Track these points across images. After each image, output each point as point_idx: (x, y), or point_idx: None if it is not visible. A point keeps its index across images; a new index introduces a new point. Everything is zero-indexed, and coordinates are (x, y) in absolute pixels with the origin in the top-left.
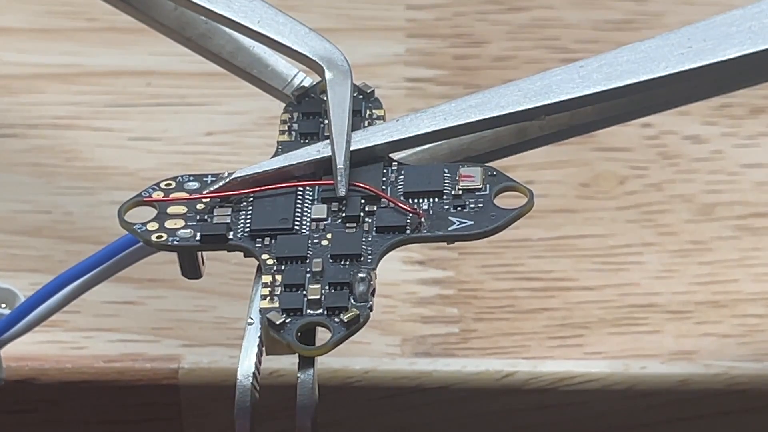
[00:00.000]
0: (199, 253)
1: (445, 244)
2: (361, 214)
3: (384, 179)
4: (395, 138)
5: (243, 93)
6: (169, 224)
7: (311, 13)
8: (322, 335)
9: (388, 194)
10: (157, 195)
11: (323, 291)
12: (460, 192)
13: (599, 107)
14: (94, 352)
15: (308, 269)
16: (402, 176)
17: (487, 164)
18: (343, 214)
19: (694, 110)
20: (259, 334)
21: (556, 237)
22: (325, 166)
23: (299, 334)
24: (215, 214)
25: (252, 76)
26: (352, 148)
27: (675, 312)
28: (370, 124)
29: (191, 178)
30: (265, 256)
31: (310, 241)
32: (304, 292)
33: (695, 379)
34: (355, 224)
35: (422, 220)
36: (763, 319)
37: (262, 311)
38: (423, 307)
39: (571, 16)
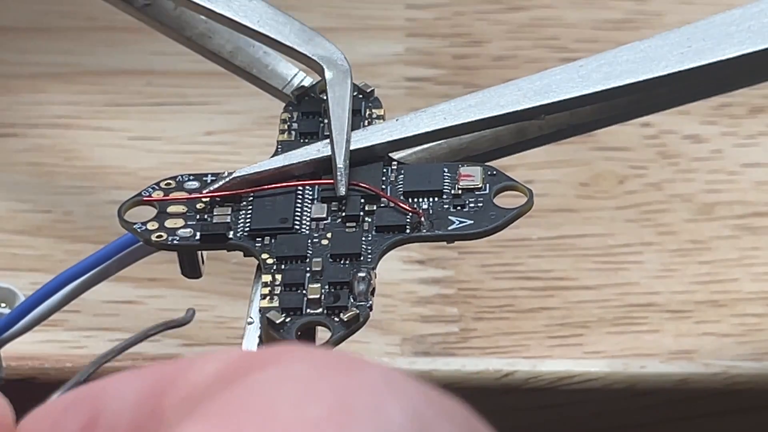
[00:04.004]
0: (199, 253)
1: (445, 243)
2: (361, 213)
3: (384, 179)
4: (395, 137)
5: (243, 93)
6: (169, 224)
7: (311, 13)
8: (322, 334)
9: (388, 194)
10: (157, 194)
11: (323, 290)
12: (460, 191)
13: (599, 107)
14: (94, 351)
15: (308, 268)
16: (402, 176)
17: (486, 164)
18: (343, 214)
19: (694, 110)
20: (259, 333)
21: (556, 236)
22: (324, 166)
23: (299, 333)
24: (215, 213)
25: (252, 75)
26: (351, 148)
27: (674, 311)
28: (369, 124)
29: (191, 177)
30: (264, 256)
31: (309, 241)
32: (304, 292)
33: (695, 378)
34: (354, 223)
35: (422, 219)
36: (762, 319)
37: (262, 310)
38: (423, 306)
39: (571, 15)
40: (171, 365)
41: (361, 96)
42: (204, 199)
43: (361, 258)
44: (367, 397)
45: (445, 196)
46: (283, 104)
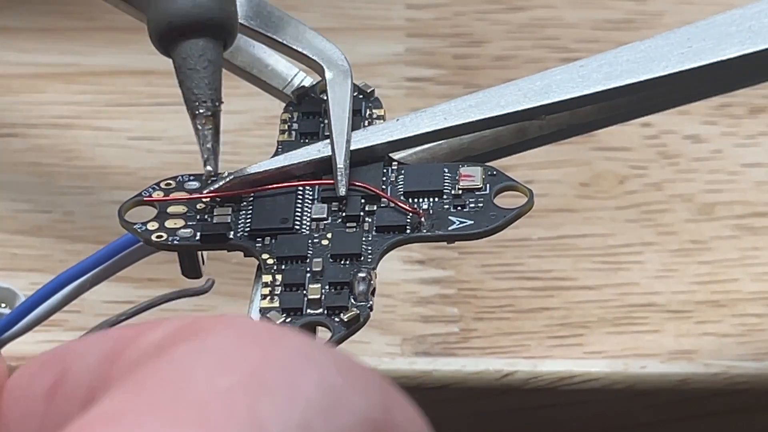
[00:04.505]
0: (200, 253)
1: (445, 243)
2: (361, 213)
3: (384, 179)
4: (395, 138)
5: (243, 93)
6: (170, 224)
7: (311, 13)
8: (323, 335)
9: (388, 194)
10: (158, 195)
11: (323, 290)
12: (460, 191)
13: (599, 107)
14: None
15: (308, 269)
16: (402, 176)
17: (487, 164)
18: (344, 214)
19: (694, 110)
20: None
21: (556, 236)
22: (325, 166)
23: None
24: (215, 213)
25: (252, 75)
26: (352, 148)
27: (675, 311)
28: (370, 124)
29: (191, 177)
30: (265, 256)
31: (310, 241)
32: (304, 292)
33: (695, 378)
34: (355, 224)
35: (422, 219)
36: (762, 319)
37: (263, 311)
38: (423, 306)
39: (571, 15)
40: (130, 330)
41: (361, 96)
42: (204, 200)
43: (362, 258)
44: (282, 370)
45: (445, 197)
46: (284, 104)
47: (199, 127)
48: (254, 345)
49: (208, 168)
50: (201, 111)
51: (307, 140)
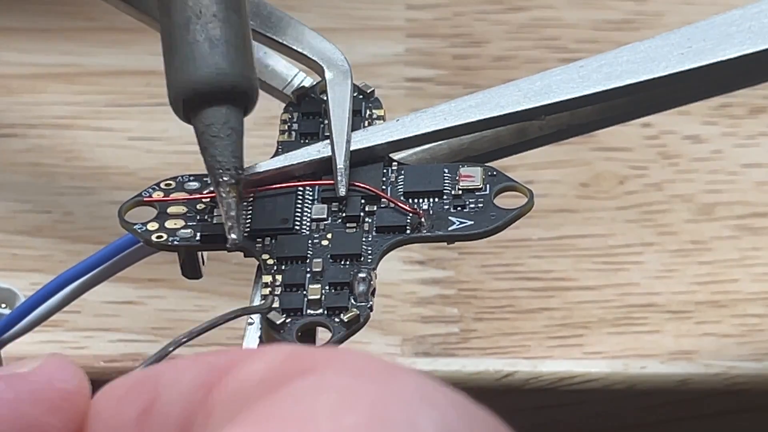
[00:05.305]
0: (200, 253)
1: (445, 244)
2: (361, 214)
3: (384, 179)
4: (395, 138)
5: None
6: (170, 224)
7: (311, 13)
8: (323, 335)
9: (388, 194)
10: (158, 195)
11: (323, 291)
12: (460, 192)
13: (599, 107)
14: (94, 351)
15: (308, 269)
16: (402, 176)
17: (487, 164)
18: (344, 214)
19: (694, 110)
20: (259, 334)
21: (556, 237)
22: (325, 166)
23: (299, 334)
24: (215, 214)
25: None
26: (352, 148)
27: (675, 312)
28: (370, 124)
29: (191, 178)
30: (265, 256)
31: (310, 241)
32: (305, 292)
33: (695, 378)
34: (355, 224)
35: (422, 220)
36: (762, 319)
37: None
38: (423, 306)
39: (571, 16)
40: (224, 356)
41: (361, 96)
42: (204, 200)
43: (362, 258)
44: (401, 409)
45: (445, 197)
46: (284, 105)
47: (223, 195)
48: (372, 382)
49: (233, 236)
50: (225, 179)
51: (307, 140)
